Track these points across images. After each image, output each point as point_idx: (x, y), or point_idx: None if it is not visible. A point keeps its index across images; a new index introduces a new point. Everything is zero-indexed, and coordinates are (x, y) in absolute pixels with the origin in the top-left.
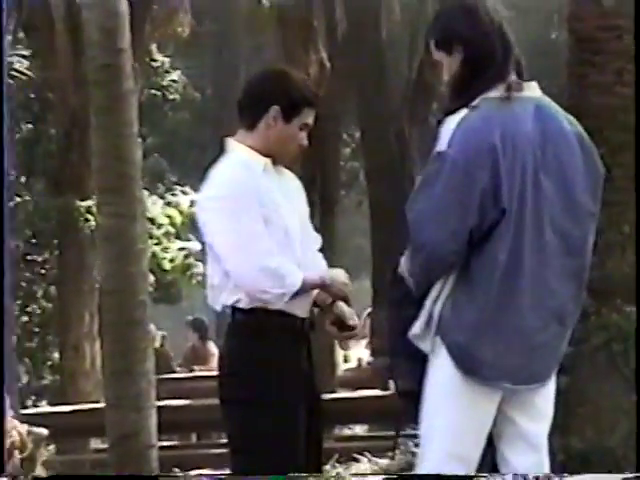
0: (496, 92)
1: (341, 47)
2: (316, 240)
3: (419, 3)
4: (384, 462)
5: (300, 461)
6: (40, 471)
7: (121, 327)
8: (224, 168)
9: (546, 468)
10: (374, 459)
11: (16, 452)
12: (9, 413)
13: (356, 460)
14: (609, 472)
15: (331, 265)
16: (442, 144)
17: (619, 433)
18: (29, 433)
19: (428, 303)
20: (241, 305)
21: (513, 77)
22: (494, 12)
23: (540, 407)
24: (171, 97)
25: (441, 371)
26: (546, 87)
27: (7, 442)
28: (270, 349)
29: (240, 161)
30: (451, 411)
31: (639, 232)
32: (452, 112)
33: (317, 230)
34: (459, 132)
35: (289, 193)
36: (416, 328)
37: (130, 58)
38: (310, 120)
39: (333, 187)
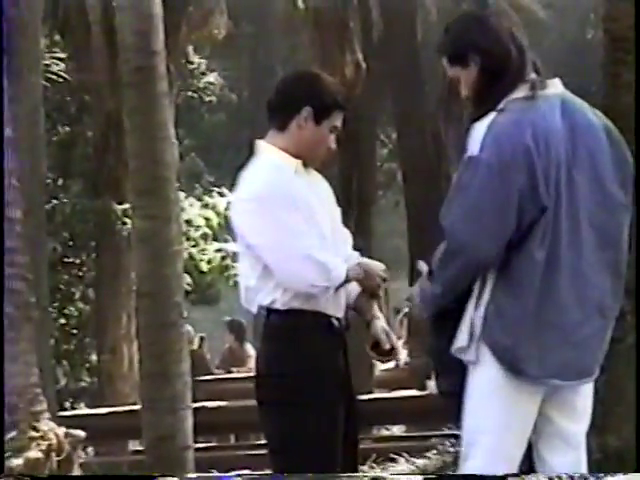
0: (519, 92)
1: (377, 48)
2: (348, 239)
3: (454, 4)
4: (421, 462)
5: (338, 461)
6: (78, 473)
7: (156, 329)
8: (256, 170)
9: (584, 467)
10: (411, 459)
11: (53, 454)
12: (46, 415)
13: (393, 460)
14: None
15: None
16: (473, 149)
17: None
18: (66, 435)
19: (469, 311)
20: (277, 306)
21: (533, 76)
22: (504, 17)
23: (579, 407)
24: (208, 99)
25: (485, 373)
26: (583, 85)
27: (44, 444)
28: (306, 350)
29: (271, 163)
30: (496, 411)
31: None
32: (478, 118)
33: (353, 231)
34: (490, 136)
35: (320, 195)
36: (462, 341)
37: (164, 60)
38: (339, 123)
39: (369, 187)
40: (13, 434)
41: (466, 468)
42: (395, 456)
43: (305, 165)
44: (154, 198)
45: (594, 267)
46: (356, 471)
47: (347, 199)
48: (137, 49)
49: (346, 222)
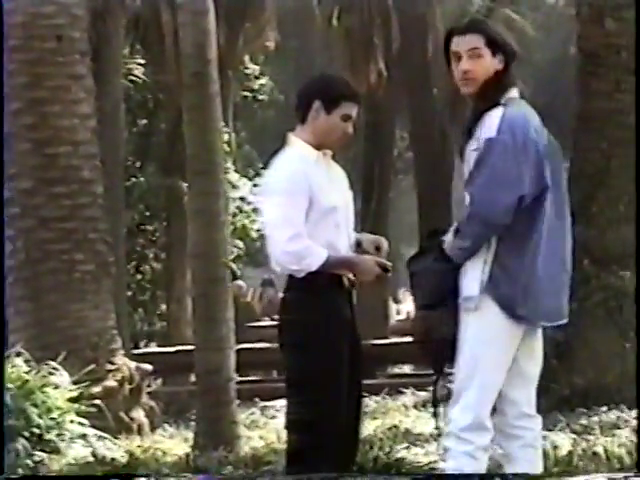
0: (512, 93)
1: (396, 59)
2: (352, 221)
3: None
4: (424, 394)
5: (343, 394)
6: (145, 399)
7: (206, 283)
8: (282, 160)
9: (533, 402)
10: (416, 393)
11: (125, 384)
12: (120, 352)
13: (402, 393)
14: (605, 405)
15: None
16: (490, 132)
17: (614, 373)
18: (137, 369)
19: (477, 268)
20: None
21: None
22: None
23: (536, 349)
24: (260, 98)
25: (485, 319)
26: (564, 93)
27: (118, 376)
28: (319, 302)
29: (295, 154)
30: (493, 352)
31: (639, 222)
32: (485, 109)
33: (374, 209)
34: (505, 123)
35: (336, 181)
36: (471, 291)
37: (216, 67)
38: (351, 112)
39: (388, 173)
40: (93, 367)
41: (465, 397)
42: (404, 389)
43: (325, 155)
44: (206, 178)
45: (560, 233)
46: (360, 402)
47: (369, 183)
48: (194, 57)
49: (369, 201)
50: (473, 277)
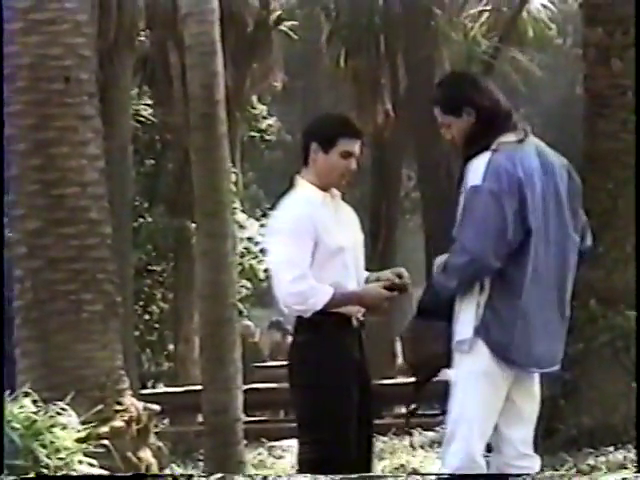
0: (508, 137)
1: (403, 100)
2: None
3: (467, 64)
4: (431, 434)
5: (352, 434)
6: (153, 440)
7: (214, 324)
8: (289, 202)
9: (530, 440)
10: (423, 432)
11: (133, 424)
12: (128, 392)
13: (409, 434)
14: (612, 445)
15: None
16: (475, 180)
17: (620, 413)
18: (144, 409)
19: (470, 312)
20: None
21: (521, 126)
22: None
23: (534, 390)
24: (268, 138)
25: (477, 362)
26: (572, 132)
27: (126, 416)
28: (328, 343)
29: (302, 196)
30: (485, 394)
31: (639, 249)
32: (472, 156)
33: (381, 248)
34: (490, 170)
35: (344, 221)
36: (465, 334)
37: (224, 108)
38: (351, 148)
39: (395, 213)
40: (101, 407)
41: (456, 442)
42: (411, 429)
43: (333, 196)
44: (214, 219)
45: (558, 277)
46: (371, 443)
47: (377, 223)
48: (203, 99)
49: (376, 241)
50: (467, 320)
